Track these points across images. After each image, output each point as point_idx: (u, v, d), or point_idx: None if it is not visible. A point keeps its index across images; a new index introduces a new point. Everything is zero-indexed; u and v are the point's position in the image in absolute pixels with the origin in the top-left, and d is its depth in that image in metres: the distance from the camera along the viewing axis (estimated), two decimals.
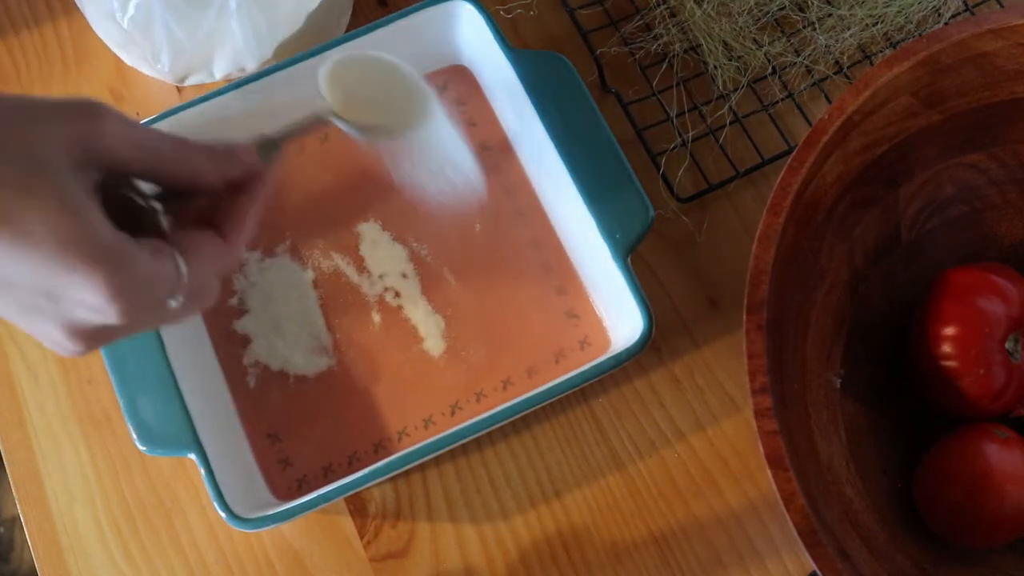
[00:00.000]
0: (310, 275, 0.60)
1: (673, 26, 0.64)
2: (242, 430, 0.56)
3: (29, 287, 0.35)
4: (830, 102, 0.62)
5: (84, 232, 0.34)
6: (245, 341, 0.58)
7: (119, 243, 0.36)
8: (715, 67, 0.63)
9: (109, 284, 0.35)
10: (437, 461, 0.57)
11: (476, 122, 0.63)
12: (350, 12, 0.66)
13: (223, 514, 0.51)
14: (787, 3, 0.65)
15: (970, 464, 0.50)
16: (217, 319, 0.58)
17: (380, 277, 0.60)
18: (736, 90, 0.63)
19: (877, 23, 0.64)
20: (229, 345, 0.58)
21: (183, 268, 0.38)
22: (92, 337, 0.38)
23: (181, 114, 0.58)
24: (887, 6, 0.64)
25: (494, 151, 0.62)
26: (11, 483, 0.58)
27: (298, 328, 0.59)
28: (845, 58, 0.64)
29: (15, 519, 1.25)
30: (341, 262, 0.60)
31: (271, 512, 0.51)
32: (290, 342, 0.58)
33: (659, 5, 0.65)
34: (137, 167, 0.38)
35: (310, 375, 0.58)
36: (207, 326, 0.58)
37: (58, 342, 0.38)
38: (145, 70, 0.65)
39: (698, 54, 0.64)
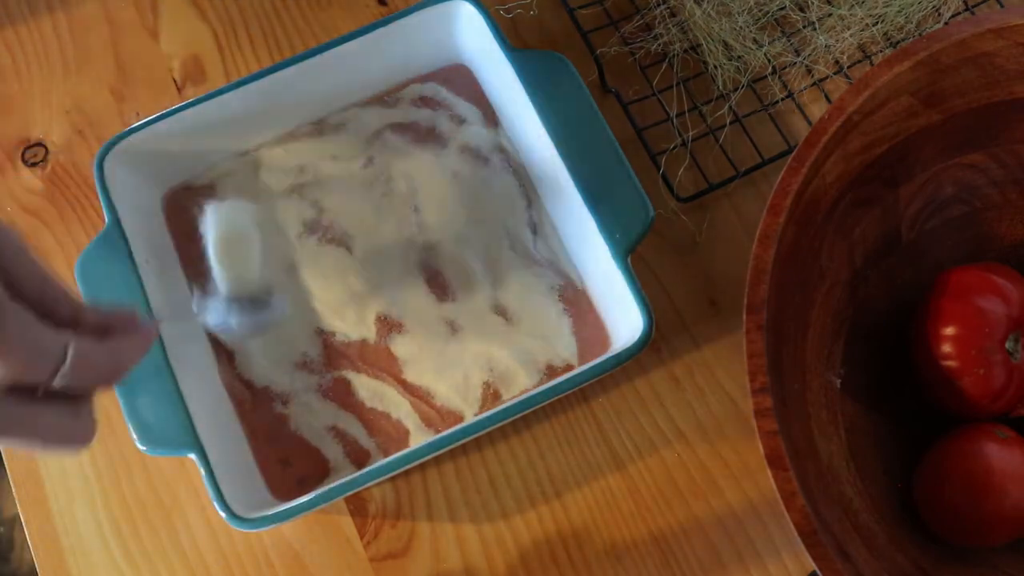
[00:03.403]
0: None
1: (673, 26, 0.64)
2: (242, 430, 0.56)
3: None
4: (830, 102, 0.62)
5: None
6: (230, 355, 0.58)
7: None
8: (715, 67, 0.63)
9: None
10: (437, 461, 0.57)
11: (475, 121, 0.63)
12: None
13: (223, 514, 0.50)
14: (787, 3, 0.65)
15: (970, 464, 0.50)
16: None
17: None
18: (736, 90, 0.63)
19: (877, 23, 0.64)
20: (222, 353, 0.58)
21: (70, 346, 0.37)
22: None
23: (181, 114, 0.58)
24: (887, 6, 0.64)
25: (493, 150, 0.62)
26: (11, 483, 0.58)
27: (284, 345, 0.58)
28: (845, 58, 0.64)
29: (15, 519, 1.25)
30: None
31: (271, 512, 0.51)
32: (272, 360, 0.58)
33: (659, 5, 0.65)
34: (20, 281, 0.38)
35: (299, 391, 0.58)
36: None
37: None
38: None
39: (698, 54, 0.64)
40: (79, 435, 0.39)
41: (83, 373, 0.38)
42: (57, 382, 0.37)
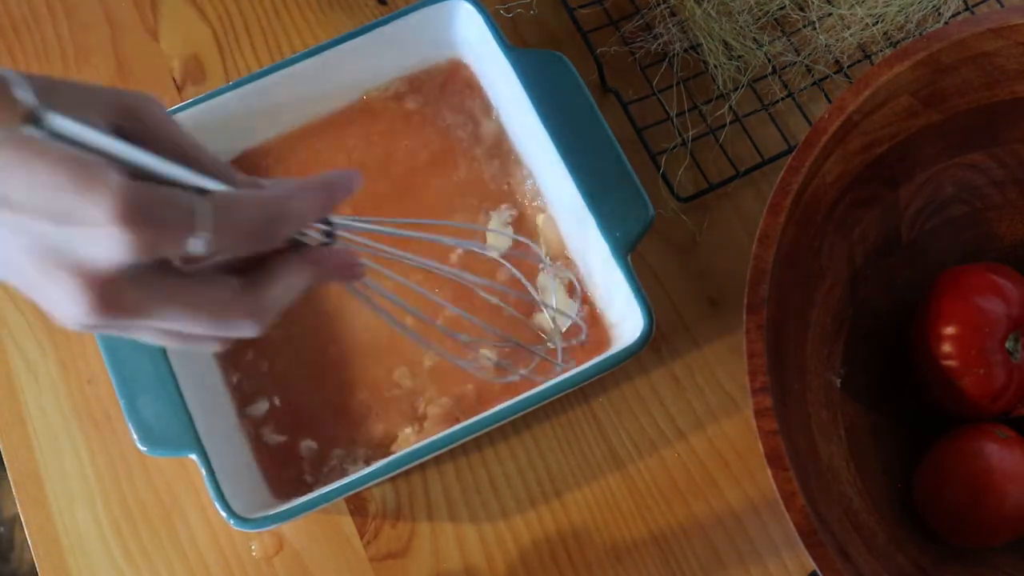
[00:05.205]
0: None
1: (673, 25, 0.64)
2: (242, 430, 0.56)
3: (36, 209, 0.31)
4: (830, 102, 0.62)
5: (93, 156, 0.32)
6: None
7: (124, 174, 0.32)
8: (715, 66, 0.63)
9: (116, 194, 0.31)
10: (437, 461, 0.57)
11: (476, 121, 0.63)
12: None
13: (223, 514, 0.50)
14: (787, 2, 0.64)
15: (970, 464, 0.50)
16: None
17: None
18: (736, 89, 0.63)
19: (877, 22, 0.64)
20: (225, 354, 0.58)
21: (206, 205, 0.33)
22: (108, 286, 0.32)
23: (181, 114, 0.58)
24: (887, 5, 0.64)
25: (494, 150, 0.62)
26: (11, 483, 0.58)
27: None
28: (845, 58, 0.64)
29: (15, 519, 1.25)
30: None
31: (271, 512, 0.51)
32: None
33: (659, 4, 0.65)
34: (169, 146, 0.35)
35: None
36: None
37: (72, 295, 0.32)
38: None
39: (698, 53, 0.64)
40: (245, 312, 0.34)
41: (230, 230, 0.33)
42: (206, 247, 0.32)
